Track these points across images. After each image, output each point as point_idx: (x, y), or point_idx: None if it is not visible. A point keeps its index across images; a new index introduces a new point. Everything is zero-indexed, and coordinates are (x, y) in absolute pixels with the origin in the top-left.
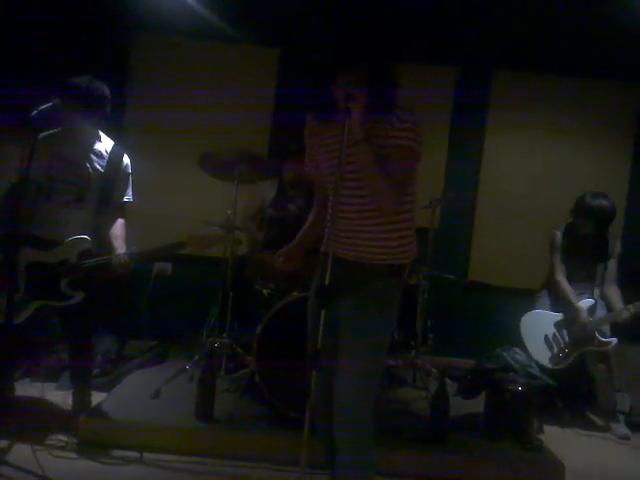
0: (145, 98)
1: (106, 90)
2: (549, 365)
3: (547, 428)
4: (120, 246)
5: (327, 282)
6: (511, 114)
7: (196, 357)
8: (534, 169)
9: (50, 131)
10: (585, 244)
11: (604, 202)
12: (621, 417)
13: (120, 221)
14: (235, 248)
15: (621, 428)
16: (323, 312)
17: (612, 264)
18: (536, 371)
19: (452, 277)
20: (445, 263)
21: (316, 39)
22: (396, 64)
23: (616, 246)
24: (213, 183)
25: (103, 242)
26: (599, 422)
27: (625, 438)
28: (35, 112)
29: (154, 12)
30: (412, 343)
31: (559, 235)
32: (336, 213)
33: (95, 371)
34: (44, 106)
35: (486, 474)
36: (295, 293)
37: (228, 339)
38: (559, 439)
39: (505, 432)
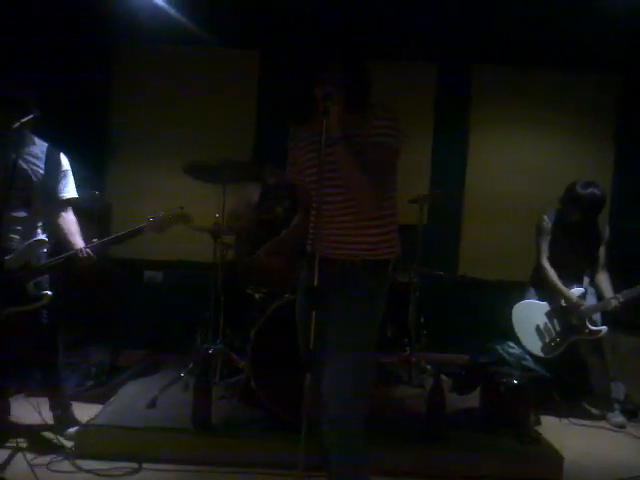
0: (128, 105)
1: (31, 92)
2: (541, 354)
3: (543, 419)
4: (78, 242)
5: (316, 283)
6: (494, 108)
7: (190, 364)
8: (520, 162)
9: None
10: (575, 232)
11: (595, 191)
12: (616, 406)
13: (70, 218)
14: (224, 253)
15: (617, 417)
16: (314, 313)
17: (602, 251)
18: (530, 363)
19: (442, 274)
20: (435, 259)
21: (295, 40)
22: (369, 63)
23: (605, 232)
24: (199, 187)
25: (59, 241)
26: (595, 411)
27: (621, 426)
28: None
29: (135, 21)
30: (406, 341)
31: (546, 220)
32: (319, 213)
33: (90, 383)
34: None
35: (485, 469)
36: (287, 295)
37: (222, 345)
38: (556, 430)
39: (502, 426)
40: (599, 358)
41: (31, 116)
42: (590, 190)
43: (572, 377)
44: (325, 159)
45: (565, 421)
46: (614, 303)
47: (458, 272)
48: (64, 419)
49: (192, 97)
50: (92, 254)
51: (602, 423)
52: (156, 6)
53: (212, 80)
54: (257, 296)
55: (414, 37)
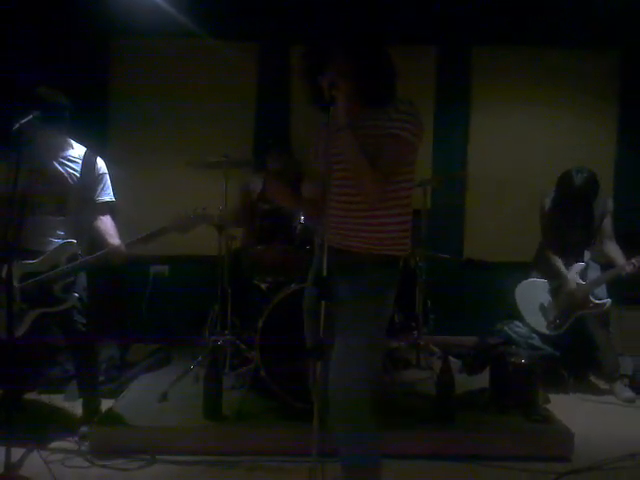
0: (127, 100)
1: (65, 98)
2: (546, 332)
3: (553, 397)
4: (114, 240)
5: (325, 273)
6: (495, 89)
7: (200, 357)
8: (522, 142)
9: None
10: (572, 210)
11: (586, 179)
12: (625, 380)
13: (107, 219)
14: (230, 244)
15: (625, 391)
16: (323, 303)
17: (607, 222)
18: (538, 342)
19: (448, 256)
20: (440, 243)
21: (294, 31)
22: (386, 49)
23: (608, 204)
24: (202, 180)
25: (93, 243)
26: (603, 387)
27: (630, 401)
28: (17, 126)
29: (133, 14)
30: (413, 324)
31: (548, 202)
32: (329, 203)
33: (101, 378)
34: (25, 120)
35: (496, 449)
36: (293, 285)
37: (230, 336)
38: (565, 407)
39: (512, 405)
40: (606, 333)
41: (30, 117)
42: (580, 177)
43: (580, 354)
44: (333, 148)
45: (574, 397)
46: (629, 268)
47: (463, 255)
48: (96, 410)
49: (191, 90)
50: (125, 251)
51: (611, 398)
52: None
53: (211, 72)
54: (263, 286)
55: (412, 20)
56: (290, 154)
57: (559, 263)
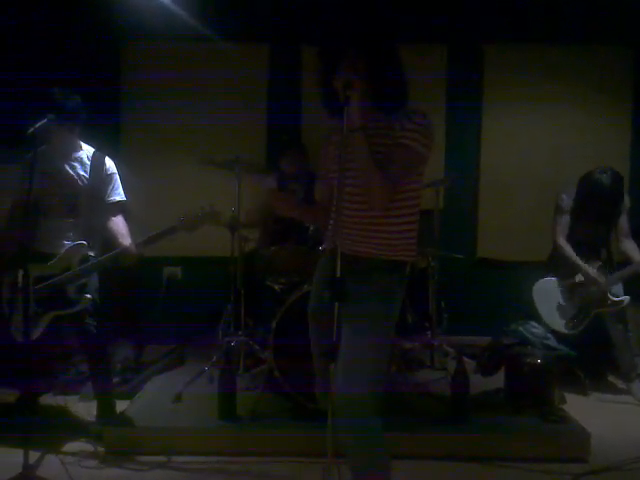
0: (139, 102)
1: (77, 99)
2: (564, 331)
3: (569, 397)
4: (126, 240)
5: (339, 275)
6: (507, 87)
7: (214, 357)
8: (535, 140)
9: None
10: (598, 211)
11: (612, 178)
12: None
13: (119, 219)
14: (243, 245)
15: None
16: (336, 305)
17: (623, 219)
18: (553, 342)
19: (461, 256)
20: (453, 243)
21: (304, 30)
22: (398, 49)
23: (625, 202)
24: (214, 181)
25: (106, 244)
26: (620, 387)
27: None
28: (32, 129)
29: (143, 19)
30: (427, 325)
31: (565, 199)
32: (339, 209)
33: (116, 380)
34: (39, 123)
35: (511, 450)
36: (306, 286)
37: (244, 337)
38: (582, 407)
39: (527, 406)
40: (623, 332)
41: (45, 120)
42: (605, 179)
43: (596, 353)
44: (346, 153)
45: (590, 398)
46: None
47: (477, 254)
48: (111, 410)
49: (203, 92)
50: (137, 250)
51: (628, 398)
52: (165, 1)
53: (222, 74)
54: (277, 287)
55: (423, 19)
56: (304, 155)
57: (578, 259)
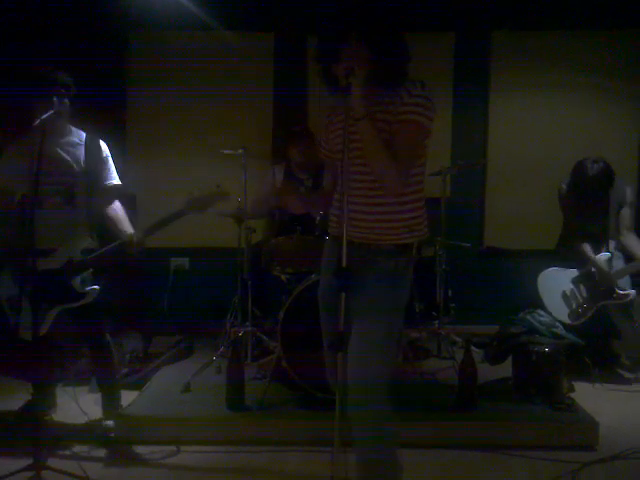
0: (145, 93)
1: (68, 78)
2: (568, 321)
3: (577, 386)
4: (128, 228)
5: (345, 264)
6: (514, 75)
7: (222, 348)
8: (541, 128)
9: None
10: (591, 199)
11: (600, 170)
12: None
13: (118, 206)
14: (249, 236)
15: None
16: (343, 295)
17: (626, 212)
18: (561, 331)
19: (468, 245)
20: (460, 231)
21: (310, 20)
22: (402, 33)
23: (627, 194)
24: (220, 170)
25: (107, 233)
26: (627, 375)
27: None
28: (38, 122)
29: (150, 6)
30: (434, 314)
31: (565, 189)
32: (344, 195)
33: (124, 371)
34: (46, 115)
35: (520, 438)
36: (313, 276)
37: (251, 327)
38: (589, 396)
39: (535, 394)
40: (630, 323)
41: (52, 112)
42: (595, 168)
43: (603, 342)
44: (350, 138)
45: (599, 387)
46: None
47: (484, 243)
48: (116, 402)
49: (209, 81)
50: (142, 238)
51: (637, 387)
52: None
53: (228, 63)
54: (284, 277)
55: (430, 6)
56: (314, 144)
57: (587, 249)
